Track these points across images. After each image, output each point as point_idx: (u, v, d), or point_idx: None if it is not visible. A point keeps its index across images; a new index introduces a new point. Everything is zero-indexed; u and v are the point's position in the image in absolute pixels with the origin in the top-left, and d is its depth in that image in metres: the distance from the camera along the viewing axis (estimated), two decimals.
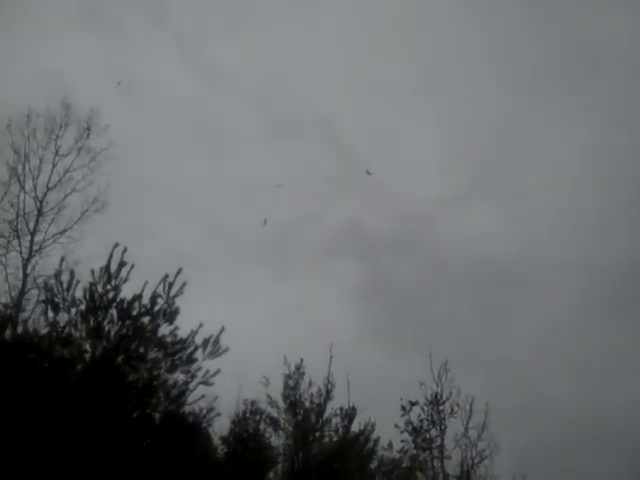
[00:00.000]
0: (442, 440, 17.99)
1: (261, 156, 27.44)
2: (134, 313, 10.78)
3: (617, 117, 26.34)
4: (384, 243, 22.37)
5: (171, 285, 11.04)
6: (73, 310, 10.73)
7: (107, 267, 10.84)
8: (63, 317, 10.68)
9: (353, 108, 27.27)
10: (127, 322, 10.69)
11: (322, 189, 24.38)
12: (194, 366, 10.99)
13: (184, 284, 11.08)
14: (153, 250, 20.45)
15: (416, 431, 18.05)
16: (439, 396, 18.12)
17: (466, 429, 18.08)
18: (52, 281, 11.06)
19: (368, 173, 17.59)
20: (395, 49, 26.45)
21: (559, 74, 27.67)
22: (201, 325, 11.08)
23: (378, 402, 17.25)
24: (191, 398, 11.04)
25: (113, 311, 10.73)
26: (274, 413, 17.27)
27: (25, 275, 18.59)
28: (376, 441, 18.10)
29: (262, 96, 28.23)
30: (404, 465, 18.68)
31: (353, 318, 21.73)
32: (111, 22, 27.63)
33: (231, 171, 26.28)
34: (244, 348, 13.16)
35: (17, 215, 19.24)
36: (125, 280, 10.93)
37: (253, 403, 16.88)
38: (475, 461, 17.97)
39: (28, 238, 19.10)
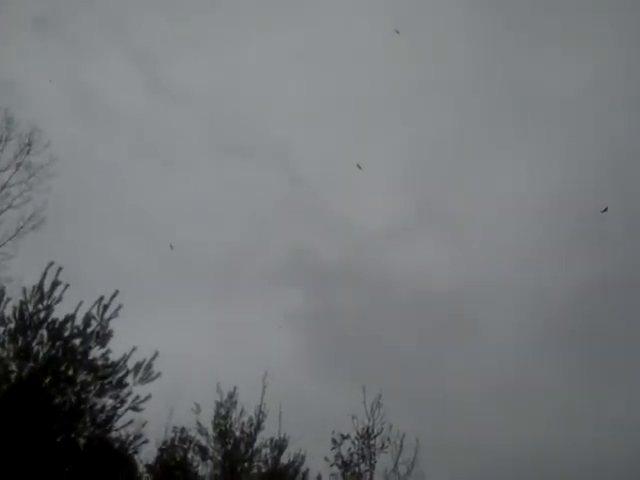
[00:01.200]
0: (371, 475, 18.00)
1: (210, 176, 27.28)
2: (65, 334, 10.55)
3: (560, 149, 27.34)
4: (330, 271, 22.48)
5: (106, 307, 10.87)
6: (1, 329, 10.44)
7: (40, 286, 10.61)
8: None
9: (306, 133, 27.50)
10: (57, 343, 10.45)
11: (271, 213, 24.41)
12: (124, 391, 10.81)
13: (119, 307, 10.93)
14: (91, 269, 20.03)
15: (346, 465, 18.01)
16: (370, 430, 18.16)
17: (396, 464, 18.14)
18: None
19: (359, 167, 17.49)
20: (351, 76, 26.90)
21: (506, 109, 28.62)
22: (134, 349, 10.93)
23: (310, 434, 17.18)
24: (119, 423, 10.83)
25: (43, 331, 10.48)
26: (203, 441, 17.00)
27: None
28: (305, 473, 17.98)
29: (215, 115, 28.22)
30: None
31: (293, 346, 21.64)
32: (64, 32, 27.25)
33: (178, 190, 26.04)
34: (178, 373, 12.98)
35: None
36: (58, 300, 10.70)
37: (182, 430, 16.59)
38: None
39: None
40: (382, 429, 18.19)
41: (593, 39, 26.89)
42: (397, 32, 17.86)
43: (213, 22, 26.87)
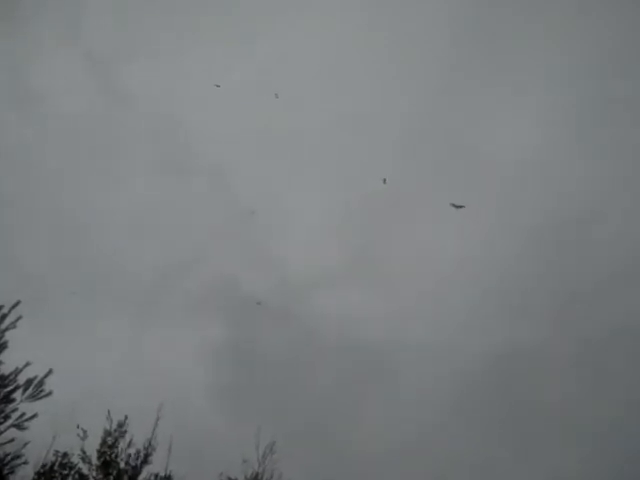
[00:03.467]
0: None
1: (146, 193, 26.45)
2: None
3: (488, 212, 28.14)
4: (256, 308, 21.91)
5: (4, 317, 10.40)
6: None
7: None
8: None
9: (245, 164, 27.16)
10: None
11: (205, 241, 23.81)
12: (10, 406, 10.28)
13: (19, 318, 10.47)
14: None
15: None
16: (259, 477, 17.80)
17: None
18: None
19: (384, 182, 16.90)
20: (290, 108, 27.06)
21: (433, 168, 29.42)
22: (27, 364, 10.45)
23: (200, 473, 16.63)
24: None
25: None
26: (85, 470, 16.20)
27: None
28: None
29: (158, 130, 27.61)
30: None
31: (203, 378, 20.99)
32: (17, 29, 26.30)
33: (110, 203, 25.06)
34: (72, 395, 12.40)
35: None
36: None
37: (65, 455, 15.79)
38: None
39: None
40: (271, 476, 17.85)
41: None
42: (276, 96, 17.98)
43: (169, 38, 26.56)
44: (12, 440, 10.35)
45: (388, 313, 17.48)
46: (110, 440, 16.47)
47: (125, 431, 16.59)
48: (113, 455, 16.33)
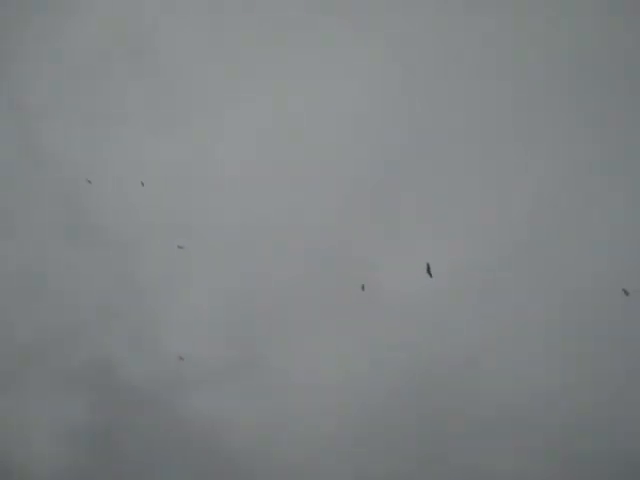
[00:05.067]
0: None
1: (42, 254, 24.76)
2: None
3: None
4: (130, 395, 20.33)
5: None
6: None
7: None
8: None
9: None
10: None
11: (86, 312, 22.18)
12: None
13: None
14: None
15: None
16: None
17: None
18: None
19: (363, 288, 15.83)
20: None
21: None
22: None
23: None
24: None
25: None
26: None
27: None
28: None
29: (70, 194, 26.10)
30: None
31: (58, 462, 19.18)
32: None
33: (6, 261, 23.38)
34: None
35: None
36: None
37: None
38: None
39: None
40: None
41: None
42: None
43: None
44: None
45: (261, 423, 16.33)
46: None
47: None
48: None
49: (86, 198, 22.01)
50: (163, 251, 20.00)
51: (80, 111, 21.79)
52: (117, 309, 20.52)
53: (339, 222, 16.80)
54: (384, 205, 16.08)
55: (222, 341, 17.51)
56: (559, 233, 14.98)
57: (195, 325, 18.19)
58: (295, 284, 16.97)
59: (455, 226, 15.95)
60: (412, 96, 16.38)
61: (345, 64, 17.54)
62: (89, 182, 20.74)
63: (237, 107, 18.23)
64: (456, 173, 15.93)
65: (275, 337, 16.35)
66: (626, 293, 13.62)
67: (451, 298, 15.23)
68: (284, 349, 16.09)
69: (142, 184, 20.81)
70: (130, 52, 20.20)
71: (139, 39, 19.47)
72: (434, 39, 16.64)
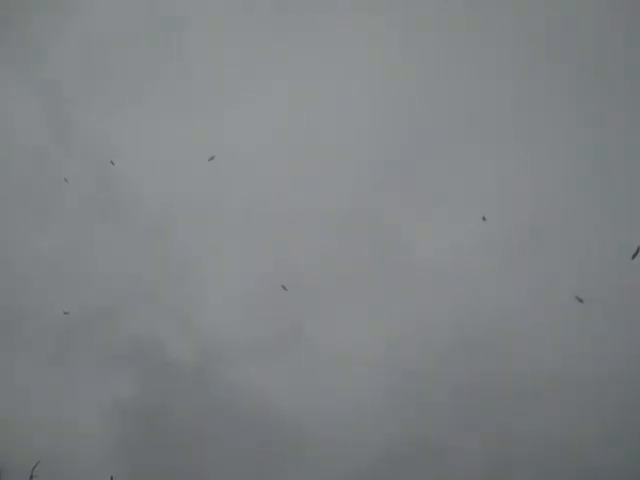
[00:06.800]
0: None
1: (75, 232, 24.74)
2: None
3: None
4: (176, 373, 20.81)
5: None
6: None
7: None
8: None
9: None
10: None
11: (125, 291, 22.44)
12: None
13: None
14: None
15: None
16: None
17: None
18: None
19: (483, 219, 15.87)
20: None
21: None
22: None
23: None
24: None
25: None
26: None
27: None
28: None
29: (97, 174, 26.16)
30: None
31: (106, 441, 19.81)
32: None
33: (39, 240, 23.56)
34: None
35: None
36: None
37: None
38: None
39: None
40: None
41: None
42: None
43: None
44: None
45: (305, 394, 16.80)
46: None
47: None
48: None
49: (118, 181, 22.43)
50: (196, 234, 20.48)
51: (108, 94, 22.02)
52: (157, 288, 21.09)
53: (370, 200, 17.14)
54: (415, 185, 16.45)
55: (263, 318, 18.04)
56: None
57: (234, 302, 18.69)
58: (329, 262, 17.41)
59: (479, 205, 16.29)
60: (413, 95, 16.63)
61: (345, 64, 17.78)
62: (112, 164, 21.10)
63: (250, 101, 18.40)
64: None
65: (314, 312, 16.83)
66: (580, 300, 14.12)
67: (483, 268, 15.72)
68: (325, 323, 16.61)
69: (112, 163, 21.22)
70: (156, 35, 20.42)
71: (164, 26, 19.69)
72: (435, 38, 16.81)
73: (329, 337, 16.26)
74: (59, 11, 20.89)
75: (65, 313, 19.08)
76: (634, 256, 14.63)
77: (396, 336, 15.78)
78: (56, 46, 20.73)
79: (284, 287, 16.97)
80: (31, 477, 15.51)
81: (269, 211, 17.90)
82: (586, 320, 14.57)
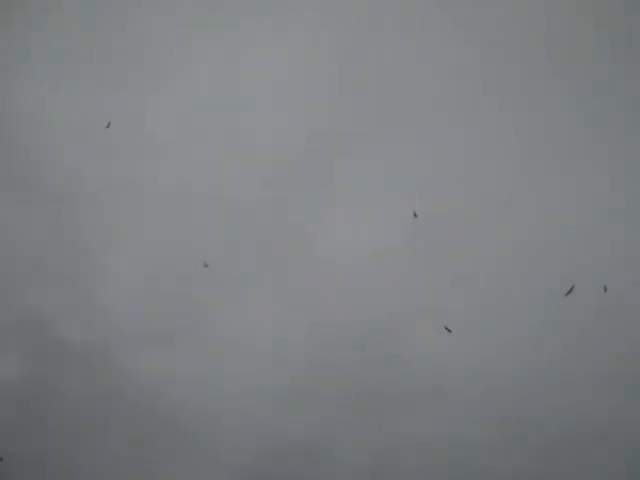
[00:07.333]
0: None
1: None
2: None
3: None
4: (70, 354, 19.75)
5: None
6: None
7: None
8: None
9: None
10: None
11: (20, 269, 21.32)
12: None
13: None
14: None
15: None
16: None
17: None
18: None
19: (415, 215, 15.37)
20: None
21: None
22: None
23: None
24: None
25: None
26: None
27: None
28: None
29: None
30: None
31: None
32: None
33: None
34: None
35: None
36: None
37: None
38: None
39: None
40: None
41: None
42: None
43: None
44: None
45: (198, 379, 16.26)
46: None
47: None
48: None
49: (27, 154, 21.06)
50: (101, 212, 19.45)
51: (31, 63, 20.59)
52: (52, 264, 19.96)
53: (275, 189, 16.58)
54: (320, 172, 15.96)
55: (158, 300, 17.07)
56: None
57: (131, 281, 17.70)
58: (231, 250, 16.75)
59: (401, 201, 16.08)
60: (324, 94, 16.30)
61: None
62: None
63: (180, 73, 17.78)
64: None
65: (213, 297, 16.20)
66: (448, 330, 14.30)
67: (386, 270, 15.47)
68: (222, 309, 16.05)
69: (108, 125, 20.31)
70: None
71: None
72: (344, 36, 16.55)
73: (229, 324, 15.69)
74: None
75: None
76: (567, 293, 14.86)
77: (285, 333, 15.28)
78: None
79: (206, 265, 16.61)
80: None
81: (175, 194, 17.03)
82: (489, 324, 14.56)
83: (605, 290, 14.68)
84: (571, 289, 15.27)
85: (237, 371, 15.67)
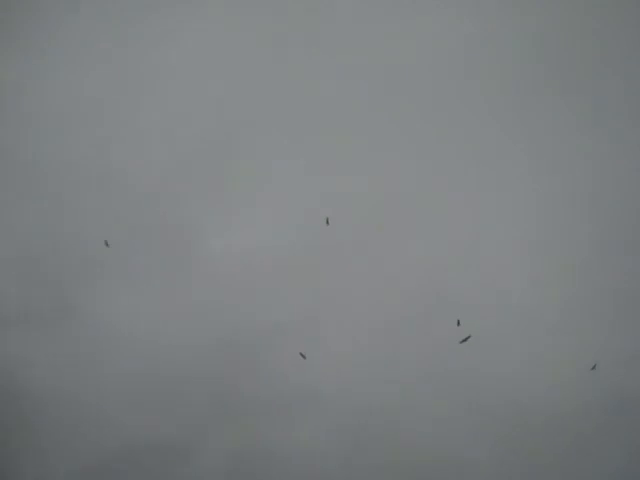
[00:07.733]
0: None
1: None
2: None
3: None
4: None
5: None
6: None
7: None
8: None
9: None
10: None
11: None
12: None
13: None
14: None
15: None
16: None
17: None
18: None
19: (327, 222, 14.74)
20: None
21: None
22: None
23: None
24: None
25: None
26: None
27: None
28: None
29: None
30: None
31: None
32: None
33: None
34: None
35: None
36: None
37: None
38: None
39: None
40: None
41: None
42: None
43: None
44: None
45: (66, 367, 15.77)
46: None
47: None
48: None
49: None
50: None
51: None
52: None
53: (166, 182, 16.41)
54: (214, 169, 15.87)
55: (30, 283, 16.68)
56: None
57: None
58: (119, 240, 16.50)
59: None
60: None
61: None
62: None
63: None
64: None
65: (90, 287, 15.91)
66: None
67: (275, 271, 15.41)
68: (100, 300, 15.75)
69: None
70: None
71: None
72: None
73: (102, 314, 15.43)
74: None
75: None
76: (462, 341, 14.42)
77: (158, 334, 15.14)
78: None
79: (107, 243, 16.19)
80: None
81: (63, 175, 16.77)
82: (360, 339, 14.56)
83: (458, 324, 14.56)
84: (467, 338, 14.88)
85: (112, 358, 14.98)
